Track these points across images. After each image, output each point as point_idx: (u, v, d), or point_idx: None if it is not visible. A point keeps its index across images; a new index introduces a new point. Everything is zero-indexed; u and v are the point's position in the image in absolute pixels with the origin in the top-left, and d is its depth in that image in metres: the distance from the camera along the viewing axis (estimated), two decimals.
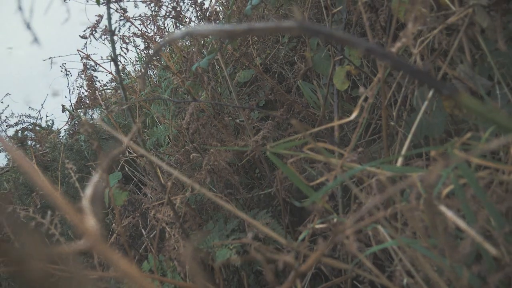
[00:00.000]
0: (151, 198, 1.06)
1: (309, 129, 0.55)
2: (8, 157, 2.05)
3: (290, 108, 1.23)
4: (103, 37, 1.15)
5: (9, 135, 1.99)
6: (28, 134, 2.08)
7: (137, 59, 2.14)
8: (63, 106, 2.04)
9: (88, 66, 1.52)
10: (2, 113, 2.03)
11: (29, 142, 2.06)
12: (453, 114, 0.66)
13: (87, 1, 1.29)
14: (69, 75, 1.91)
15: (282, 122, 1.26)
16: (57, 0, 0.72)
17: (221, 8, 1.61)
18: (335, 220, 0.57)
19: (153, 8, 1.24)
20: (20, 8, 0.41)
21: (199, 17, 1.19)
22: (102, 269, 0.89)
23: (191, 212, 1.00)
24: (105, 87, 1.88)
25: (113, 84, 1.89)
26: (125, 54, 1.57)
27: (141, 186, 1.55)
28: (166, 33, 1.46)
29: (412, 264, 0.46)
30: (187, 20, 1.28)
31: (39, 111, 2.15)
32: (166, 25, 1.47)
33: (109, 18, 0.91)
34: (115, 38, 0.93)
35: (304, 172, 0.94)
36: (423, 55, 0.71)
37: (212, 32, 0.27)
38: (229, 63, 1.47)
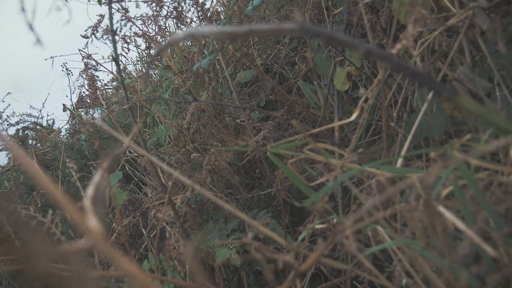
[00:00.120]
0: (151, 197, 1.06)
1: (309, 130, 0.55)
2: (8, 156, 2.05)
3: (291, 109, 1.23)
4: (105, 36, 1.15)
5: (10, 134, 2.00)
6: (29, 133, 2.09)
7: (138, 59, 2.15)
8: (64, 105, 2.04)
9: (89, 66, 1.53)
10: (3, 112, 2.03)
11: (30, 141, 2.07)
12: (453, 115, 0.67)
13: (89, 1, 1.30)
14: (70, 74, 1.92)
15: (283, 123, 1.26)
16: (59, 0, 0.72)
17: (222, 9, 1.61)
18: (335, 220, 0.57)
19: (154, 8, 1.24)
20: (23, 9, 0.42)
21: (200, 18, 1.19)
22: (102, 268, 0.89)
23: (192, 212, 1.00)
24: (106, 87, 1.88)
25: (114, 83, 1.89)
26: (126, 53, 1.57)
27: (142, 186, 1.55)
28: (167, 33, 1.46)
29: (411, 264, 0.46)
30: (188, 20, 1.28)
31: (40, 110, 2.16)
32: (167, 25, 1.47)
33: (111, 18, 0.91)
34: (117, 37, 0.93)
35: (304, 173, 0.94)
36: (424, 57, 0.71)
37: (213, 34, 0.28)
38: (230, 63, 1.47)
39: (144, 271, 0.96)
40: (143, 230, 1.13)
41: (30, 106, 2.13)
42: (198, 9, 1.15)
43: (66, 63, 1.94)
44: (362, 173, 0.51)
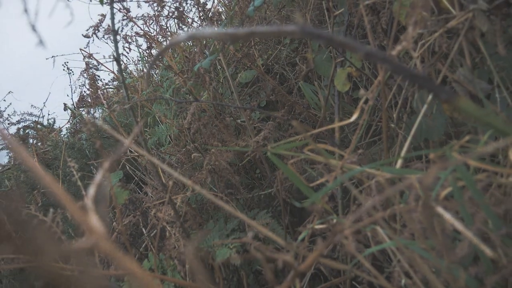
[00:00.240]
0: (152, 197, 1.06)
1: (309, 130, 0.55)
2: (9, 154, 2.06)
3: (291, 109, 1.24)
4: (106, 36, 1.15)
5: (11, 133, 2.00)
6: (30, 132, 2.09)
7: (139, 59, 2.15)
8: (65, 104, 2.05)
9: (90, 65, 1.53)
10: (4, 111, 2.04)
11: (31, 140, 2.07)
12: (453, 117, 0.67)
13: (90, 1, 1.30)
14: (72, 73, 1.92)
15: (283, 123, 1.27)
16: (60, 0, 0.73)
17: (223, 9, 1.62)
18: (334, 220, 0.57)
19: (156, 8, 1.25)
20: (25, 11, 0.42)
21: (202, 18, 1.19)
22: (102, 267, 0.89)
23: (192, 212, 1.00)
24: (107, 86, 1.88)
25: (115, 83, 1.89)
26: (128, 53, 1.57)
27: (142, 185, 1.55)
28: (169, 33, 1.46)
29: (410, 265, 0.47)
30: (189, 20, 1.28)
31: (41, 110, 2.16)
32: (168, 25, 1.47)
33: (112, 18, 0.92)
34: (118, 37, 0.94)
35: (304, 173, 0.95)
36: (424, 58, 0.72)
37: (215, 36, 0.28)
38: (231, 63, 1.47)
39: (145, 270, 0.96)
40: (143, 230, 1.13)
41: (31, 105, 2.14)
42: (200, 9, 1.15)
43: (67, 62, 1.95)
44: (362, 174, 0.51)
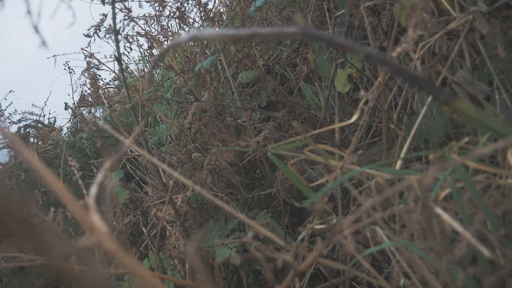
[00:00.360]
0: (152, 196, 1.07)
1: (310, 131, 0.56)
2: (10, 153, 2.06)
3: (292, 110, 1.24)
4: (107, 36, 1.16)
5: (12, 132, 2.00)
6: (31, 131, 2.09)
7: (140, 58, 2.15)
8: (66, 103, 2.05)
9: (91, 65, 1.53)
10: (5, 109, 2.04)
11: (32, 139, 2.07)
12: (453, 118, 0.67)
13: (92, 1, 1.30)
14: (73, 73, 1.92)
15: (284, 123, 1.27)
16: (62, 1, 0.73)
17: (224, 9, 1.62)
18: (334, 221, 0.57)
19: (157, 8, 1.25)
20: (29, 12, 0.42)
21: (203, 18, 1.20)
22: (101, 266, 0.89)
23: (192, 211, 1.01)
24: (108, 86, 1.89)
25: (116, 82, 1.90)
26: (129, 53, 1.58)
27: (143, 185, 1.56)
28: (170, 33, 1.47)
29: (409, 265, 0.47)
30: (190, 20, 1.28)
31: (42, 109, 2.17)
32: (169, 25, 1.48)
33: (114, 18, 0.92)
34: (119, 37, 0.94)
35: (304, 173, 0.95)
36: (424, 60, 0.72)
37: (216, 37, 0.28)
38: (232, 63, 1.48)
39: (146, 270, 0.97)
40: (144, 229, 1.13)
41: (32, 104, 2.14)
42: (201, 9, 1.16)
43: (69, 61, 1.95)
44: (362, 175, 0.52)
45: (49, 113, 2.27)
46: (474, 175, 0.45)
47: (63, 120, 2.29)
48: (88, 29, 1.17)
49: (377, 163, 0.50)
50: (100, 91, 1.64)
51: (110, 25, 1.11)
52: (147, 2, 1.28)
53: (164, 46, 1.47)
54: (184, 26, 1.27)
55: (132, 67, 2.26)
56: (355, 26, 0.94)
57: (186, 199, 0.95)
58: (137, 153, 1.30)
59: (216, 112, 1.19)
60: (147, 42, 1.44)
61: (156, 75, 1.97)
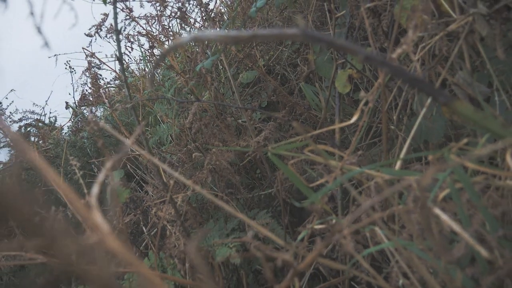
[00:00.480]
0: (152, 196, 1.07)
1: (310, 131, 0.56)
2: (11, 152, 2.06)
3: (292, 110, 1.24)
4: (108, 35, 1.16)
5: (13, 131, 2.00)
6: (32, 130, 2.10)
7: (141, 58, 2.16)
8: (66, 103, 2.05)
9: (92, 64, 1.53)
10: (6, 108, 2.04)
11: (32, 138, 2.08)
12: (452, 119, 0.67)
13: (93, 0, 1.31)
14: (74, 72, 1.93)
15: (284, 124, 1.27)
16: (65, 2, 0.73)
17: (225, 9, 1.62)
18: (333, 221, 0.58)
19: (158, 8, 1.25)
20: (31, 13, 0.42)
21: (204, 18, 1.20)
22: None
23: (192, 211, 1.01)
24: (109, 85, 1.89)
25: (117, 82, 1.90)
26: (130, 52, 1.58)
27: (143, 184, 1.56)
28: (171, 33, 1.47)
29: (408, 265, 0.47)
30: (192, 20, 1.29)
31: (43, 108, 2.17)
32: (171, 25, 1.48)
33: (115, 17, 0.92)
34: (120, 37, 0.94)
35: (304, 174, 0.95)
36: (424, 61, 0.72)
37: (217, 38, 0.29)
38: (233, 64, 1.48)
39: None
40: (144, 228, 1.13)
41: (33, 103, 2.15)
42: (202, 9, 1.16)
43: (70, 61, 1.95)
44: (362, 175, 0.52)
45: (50, 112, 2.28)
46: (473, 176, 0.46)
47: (64, 119, 2.29)
48: (90, 29, 1.17)
49: (377, 164, 0.50)
50: (101, 91, 1.64)
51: (111, 24, 1.11)
52: (148, 2, 1.28)
53: (165, 46, 1.47)
54: (185, 26, 1.27)
55: (133, 66, 2.26)
56: (355, 27, 0.94)
57: (187, 198, 0.96)
58: (137, 153, 1.30)
59: (216, 112, 1.20)
60: (148, 42, 1.44)
61: (157, 75, 1.97)
